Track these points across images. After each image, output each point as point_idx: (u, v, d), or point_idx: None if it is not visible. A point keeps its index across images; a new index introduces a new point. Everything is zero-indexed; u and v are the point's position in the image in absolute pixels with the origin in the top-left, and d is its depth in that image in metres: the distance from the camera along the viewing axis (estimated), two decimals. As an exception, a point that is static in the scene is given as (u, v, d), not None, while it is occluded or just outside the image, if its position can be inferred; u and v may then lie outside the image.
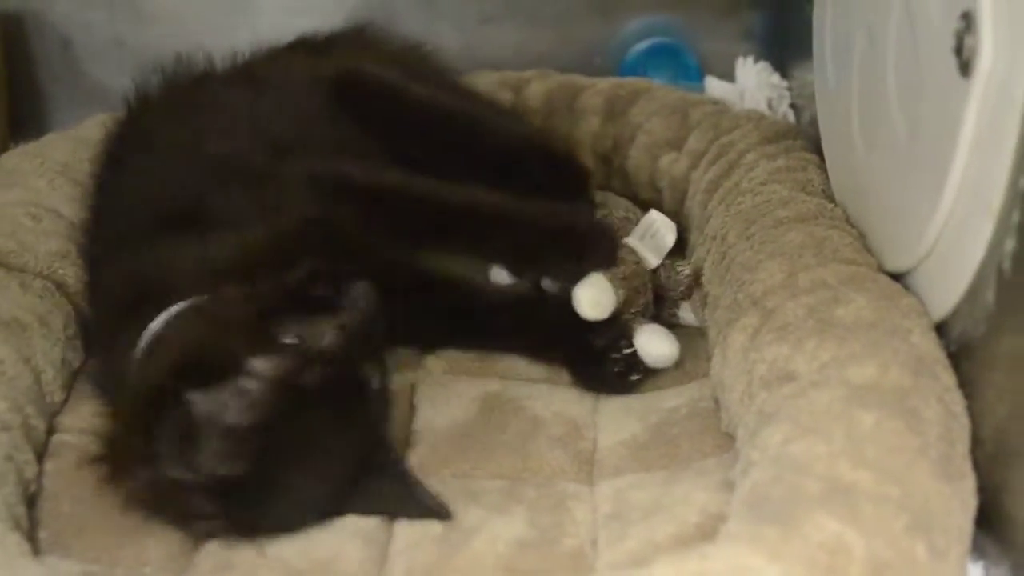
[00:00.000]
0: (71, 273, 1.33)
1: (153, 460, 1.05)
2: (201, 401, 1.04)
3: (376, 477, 1.13)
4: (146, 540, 1.11)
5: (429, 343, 1.36)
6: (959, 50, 0.99)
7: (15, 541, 1.02)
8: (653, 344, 1.32)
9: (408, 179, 1.34)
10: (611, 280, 1.32)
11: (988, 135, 0.98)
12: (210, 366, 1.06)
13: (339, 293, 1.12)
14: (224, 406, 1.05)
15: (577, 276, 1.31)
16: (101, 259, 1.31)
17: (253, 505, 1.08)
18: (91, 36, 1.65)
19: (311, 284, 1.12)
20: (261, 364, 1.06)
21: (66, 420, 1.24)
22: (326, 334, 1.09)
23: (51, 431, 1.22)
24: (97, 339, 1.28)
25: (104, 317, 1.26)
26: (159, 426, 1.04)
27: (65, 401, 1.26)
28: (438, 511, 1.12)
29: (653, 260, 1.38)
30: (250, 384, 1.06)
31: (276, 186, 1.27)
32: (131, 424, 1.08)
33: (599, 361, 1.31)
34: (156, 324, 1.14)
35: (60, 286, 1.32)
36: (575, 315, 1.30)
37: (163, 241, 1.22)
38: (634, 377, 1.31)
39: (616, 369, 1.31)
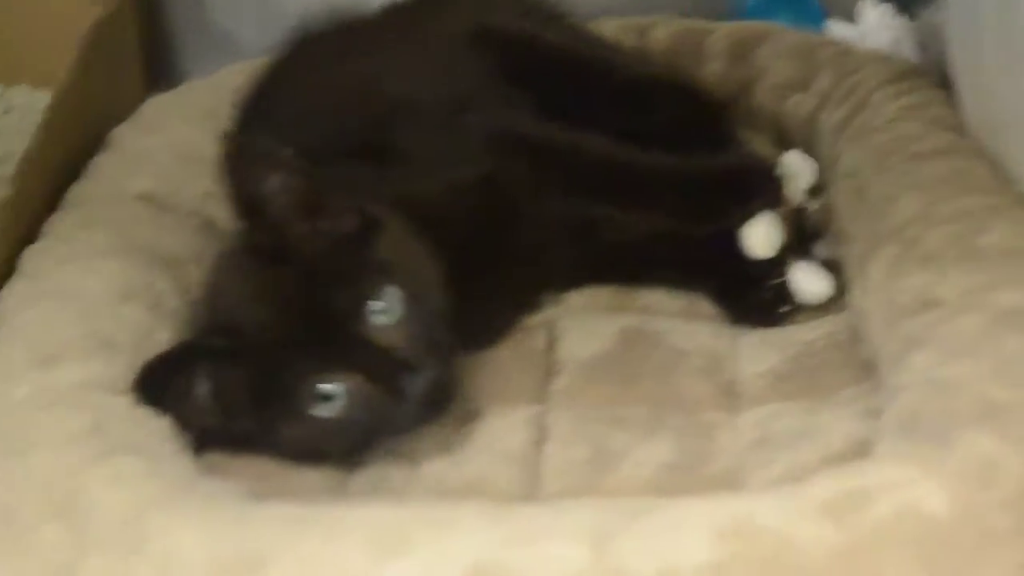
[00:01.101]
0: (220, 212, 1.37)
1: None
2: None
3: None
4: (302, 467, 1.15)
5: (579, 283, 1.39)
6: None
7: (187, 461, 1.06)
8: (809, 281, 1.33)
9: (579, 137, 1.36)
10: (777, 218, 1.34)
11: None
12: None
13: None
14: None
15: (743, 218, 1.33)
16: None
17: None
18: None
19: None
20: None
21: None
22: None
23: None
24: None
25: None
26: None
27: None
28: None
29: (796, 197, 1.39)
30: None
31: (455, 137, 1.32)
32: None
33: (749, 292, 1.33)
34: None
35: (210, 223, 1.36)
36: (728, 247, 1.33)
37: (340, 165, 1.26)
38: (783, 309, 1.33)
39: (767, 298, 1.33)
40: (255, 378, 1.11)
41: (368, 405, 1.11)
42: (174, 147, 1.41)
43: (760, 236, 1.33)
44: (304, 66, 1.46)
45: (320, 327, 1.11)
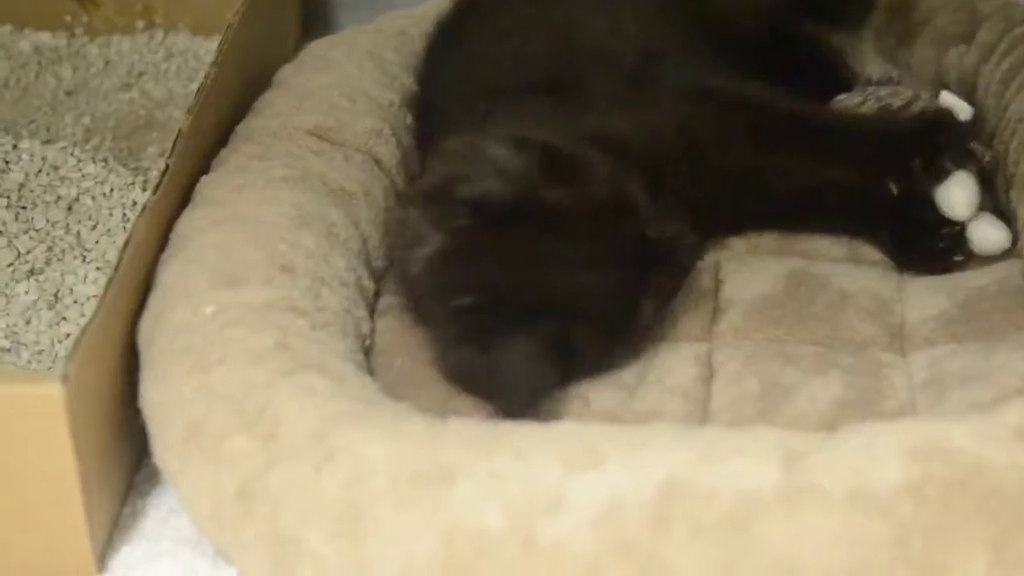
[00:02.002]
0: (385, 151, 1.38)
1: None
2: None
3: None
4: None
5: (744, 229, 1.39)
6: None
7: (369, 382, 1.08)
8: (989, 232, 1.32)
9: (767, 93, 1.37)
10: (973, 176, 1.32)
11: None
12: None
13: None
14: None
15: (934, 175, 1.32)
16: (448, 124, 1.36)
17: None
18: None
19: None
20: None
21: (390, 284, 1.29)
22: None
23: (378, 293, 1.28)
24: None
25: None
26: None
27: (386, 268, 1.31)
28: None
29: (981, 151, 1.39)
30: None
31: (646, 88, 1.33)
32: None
33: (923, 241, 1.32)
34: None
35: (377, 161, 1.37)
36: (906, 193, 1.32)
37: (533, 101, 1.29)
38: (958, 258, 1.32)
39: (943, 247, 1.32)
40: None
41: None
42: (340, 86, 1.42)
43: (959, 197, 1.31)
44: (494, 7, 1.48)
45: None
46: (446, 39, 1.50)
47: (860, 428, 0.91)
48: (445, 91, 1.44)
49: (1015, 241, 1.31)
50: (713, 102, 1.34)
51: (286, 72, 1.48)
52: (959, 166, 1.31)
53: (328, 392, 1.01)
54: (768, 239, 1.37)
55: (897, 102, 1.47)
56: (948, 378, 1.14)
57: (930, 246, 1.32)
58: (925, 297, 1.27)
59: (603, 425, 0.98)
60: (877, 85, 1.54)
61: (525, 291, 1.13)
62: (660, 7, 1.47)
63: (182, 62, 1.76)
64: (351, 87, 1.43)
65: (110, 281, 1.10)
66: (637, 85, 1.34)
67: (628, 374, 1.19)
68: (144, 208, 1.18)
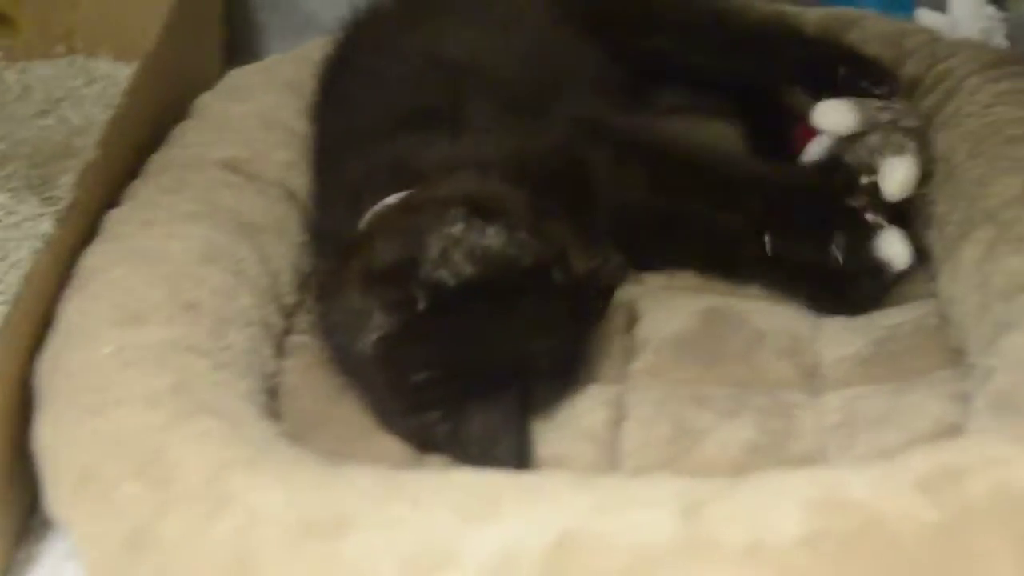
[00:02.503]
0: (300, 183, 1.37)
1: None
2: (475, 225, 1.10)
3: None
4: (381, 437, 1.14)
5: (660, 267, 1.37)
6: None
7: (268, 425, 1.06)
8: (895, 244, 1.29)
9: (667, 137, 1.37)
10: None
11: None
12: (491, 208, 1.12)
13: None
14: (486, 235, 1.10)
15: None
16: (335, 159, 1.35)
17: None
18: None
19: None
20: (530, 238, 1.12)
21: (301, 322, 1.27)
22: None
23: (287, 331, 1.26)
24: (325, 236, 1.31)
25: (334, 206, 1.29)
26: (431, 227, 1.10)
27: (298, 304, 1.29)
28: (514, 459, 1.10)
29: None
30: (519, 233, 1.11)
31: (538, 117, 1.31)
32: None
33: (843, 283, 1.30)
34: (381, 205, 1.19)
35: (291, 194, 1.35)
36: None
37: (406, 135, 1.26)
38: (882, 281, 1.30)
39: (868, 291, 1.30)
40: None
41: None
42: (258, 116, 1.41)
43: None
44: (376, 37, 1.47)
45: None
46: (329, 74, 1.48)
47: (762, 477, 0.89)
48: (329, 128, 1.42)
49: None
50: (610, 140, 1.32)
51: (204, 101, 1.47)
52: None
53: (224, 436, 0.99)
54: (686, 274, 1.36)
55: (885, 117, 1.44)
56: (859, 420, 1.13)
57: (850, 286, 1.30)
58: (841, 336, 1.26)
59: (502, 473, 0.96)
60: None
61: (482, 362, 1.11)
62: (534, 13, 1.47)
63: (103, 88, 1.73)
64: (268, 117, 1.42)
65: (7, 317, 1.07)
66: (527, 114, 1.31)
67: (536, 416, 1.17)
68: (48, 242, 1.16)
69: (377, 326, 1.10)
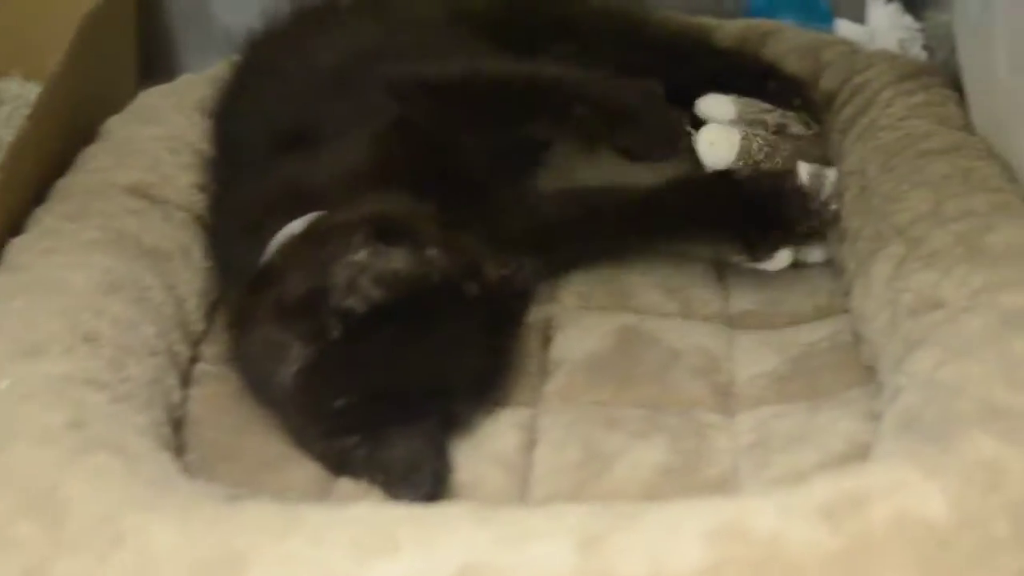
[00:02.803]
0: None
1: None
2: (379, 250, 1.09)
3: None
4: (288, 467, 1.12)
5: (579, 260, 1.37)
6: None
7: (167, 459, 1.03)
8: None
9: (485, 65, 1.34)
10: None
11: None
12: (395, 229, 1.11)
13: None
14: (392, 257, 1.09)
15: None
16: (228, 184, 1.33)
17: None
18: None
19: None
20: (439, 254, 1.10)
21: (208, 350, 1.25)
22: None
23: (194, 359, 1.24)
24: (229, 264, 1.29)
25: (235, 234, 1.27)
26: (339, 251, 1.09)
27: (206, 331, 1.27)
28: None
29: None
30: (427, 250, 1.10)
31: (358, 96, 1.28)
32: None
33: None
34: (283, 234, 1.17)
35: (199, 218, 1.33)
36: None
37: (291, 156, 1.25)
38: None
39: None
40: None
41: None
42: (166, 139, 1.39)
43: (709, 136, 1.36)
44: (263, 56, 1.45)
45: None
46: (220, 100, 1.45)
47: (664, 506, 0.88)
48: (221, 151, 1.40)
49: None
50: (424, 88, 1.30)
51: (112, 123, 1.44)
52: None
53: (120, 473, 0.96)
54: (600, 292, 1.35)
55: (773, 119, 1.45)
56: (773, 440, 1.12)
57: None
58: (756, 352, 1.26)
59: (401, 506, 0.94)
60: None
61: (400, 386, 1.10)
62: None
63: (12, 109, 1.71)
64: (176, 140, 1.40)
65: (-98, 352, 1.05)
66: (350, 98, 1.29)
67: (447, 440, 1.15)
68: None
69: (295, 358, 1.09)
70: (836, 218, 1.35)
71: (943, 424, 0.91)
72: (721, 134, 1.39)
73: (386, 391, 1.09)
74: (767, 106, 1.43)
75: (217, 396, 1.19)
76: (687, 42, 1.55)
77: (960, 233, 1.11)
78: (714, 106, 1.43)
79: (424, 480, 1.08)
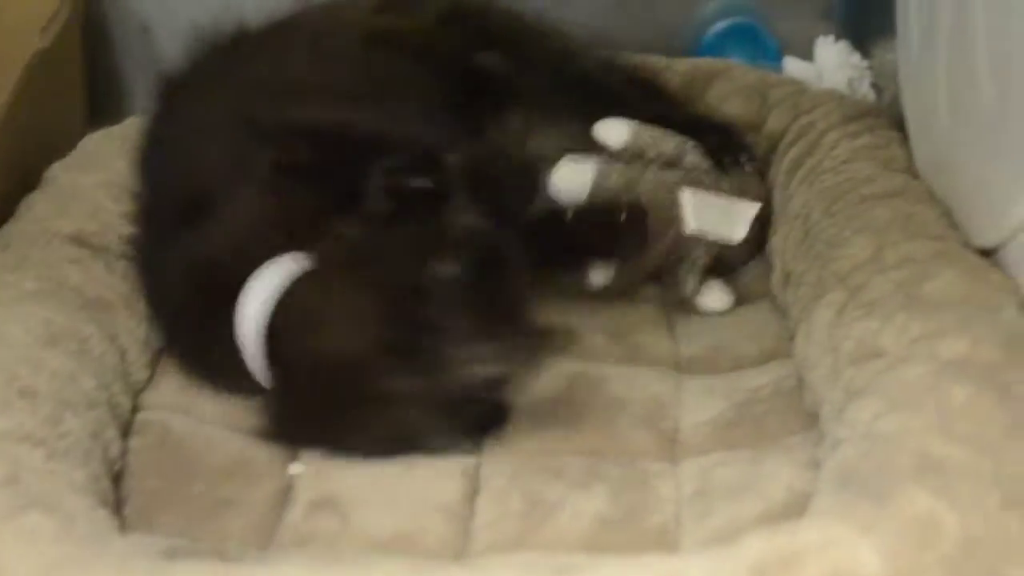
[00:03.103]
0: (153, 254, 1.34)
1: None
2: None
3: None
4: (229, 515, 1.12)
5: None
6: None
7: (103, 516, 1.02)
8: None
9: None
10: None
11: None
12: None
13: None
14: None
15: None
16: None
17: None
18: (171, 21, 1.64)
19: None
20: None
21: (150, 398, 1.24)
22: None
23: (136, 409, 1.23)
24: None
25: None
26: None
27: (149, 379, 1.26)
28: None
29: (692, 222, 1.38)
30: None
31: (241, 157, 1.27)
32: None
33: None
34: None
35: (143, 267, 1.32)
36: None
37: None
38: None
39: None
40: None
41: None
42: (108, 185, 1.38)
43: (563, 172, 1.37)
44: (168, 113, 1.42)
45: None
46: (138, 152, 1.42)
47: (596, 566, 0.88)
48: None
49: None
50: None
51: (55, 170, 1.44)
52: None
53: (54, 533, 0.95)
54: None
55: (668, 148, 1.44)
56: (715, 489, 1.12)
57: None
58: (701, 399, 1.26)
59: (333, 563, 0.94)
60: None
61: None
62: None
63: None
64: (118, 187, 1.39)
65: None
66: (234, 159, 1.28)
67: (393, 490, 1.15)
68: None
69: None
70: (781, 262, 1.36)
71: (880, 478, 0.91)
72: (572, 170, 1.39)
73: None
74: (668, 135, 1.43)
75: (158, 445, 1.18)
76: (621, 83, 1.55)
77: (899, 281, 1.12)
78: (607, 131, 1.42)
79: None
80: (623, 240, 1.34)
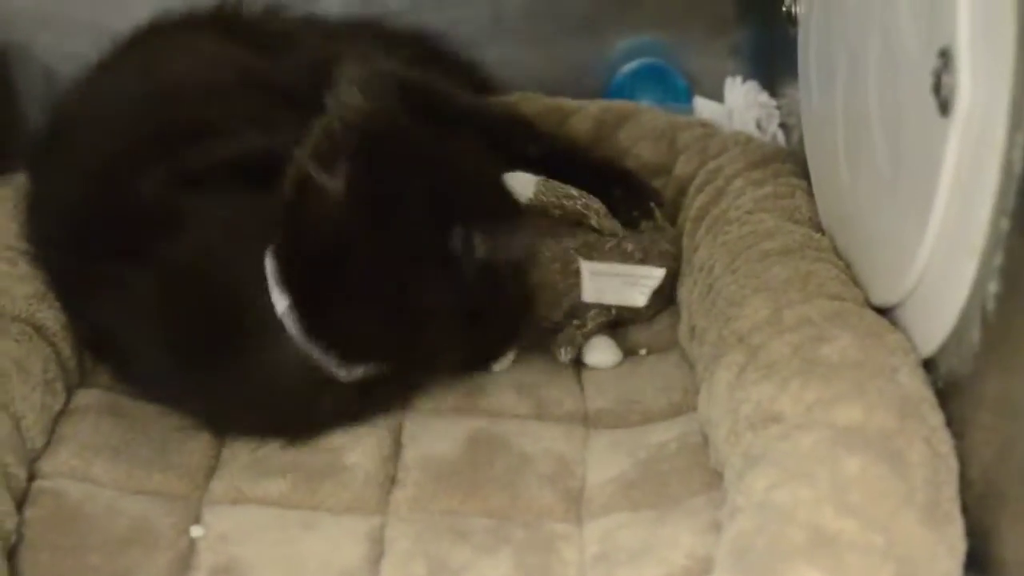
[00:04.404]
0: (49, 315, 1.31)
1: None
2: None
3: None
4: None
5: None
6: (937, 88, 0.97)
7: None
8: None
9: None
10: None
11: (968, 175, 0.97)
12: None
13: None
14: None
15: None
16: None
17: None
18: (75, 67, 1.62)
19: None
20: None
21: (46, 466, 1.21)
22: None
23: (32, 477, 1.20)
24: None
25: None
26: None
27: (46, 446, 1.24)
28: None
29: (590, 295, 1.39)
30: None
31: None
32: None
33: None
34: None
35: (38, 329, 1.30)
36: None
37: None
38: None
39: None
40: None
41: None
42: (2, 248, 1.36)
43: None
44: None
45: None
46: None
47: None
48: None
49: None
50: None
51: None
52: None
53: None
54: (454, 395, 1.33)
55: (573, 207, 1.43)
56: (618, 553, 1.11)
57: None
58: (607, 456, 1.25)
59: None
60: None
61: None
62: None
63: None
64: (12, 247, 1.36)
65: None
66: None
67: (297, 553, 1.14)
68: None
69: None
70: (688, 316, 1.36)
71: (772, 555, 0.91)
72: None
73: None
74: (574, 193, 1.42)
75: (53, 515, 1.16)
76: (524, 135, 1.53)
77: (796, 344, 1.11)
78: (513, 184, 1.39)
79: None
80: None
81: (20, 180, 1.46)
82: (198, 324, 1.23)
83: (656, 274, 1.40)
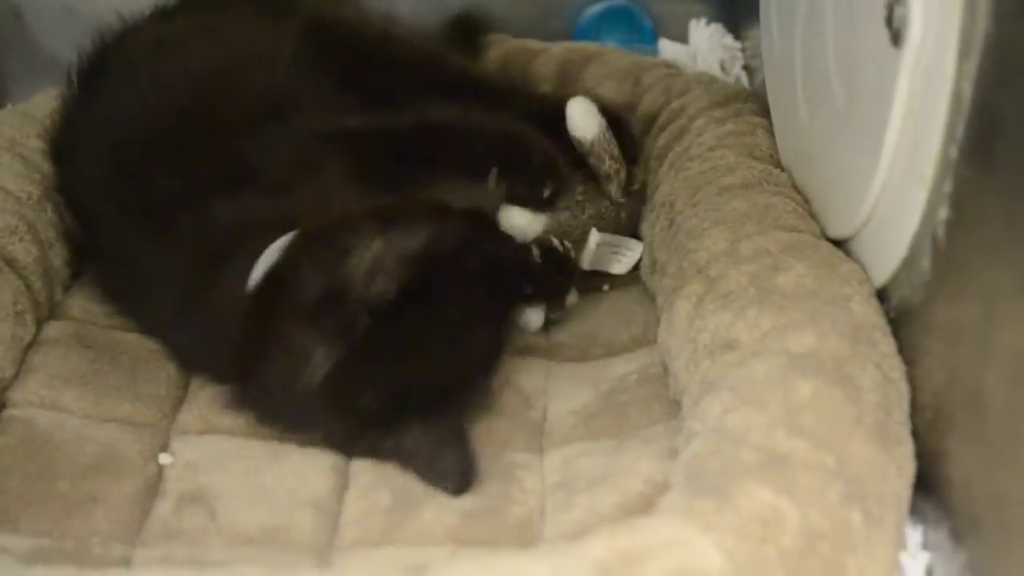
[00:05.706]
0: (20, 248, 1.32)
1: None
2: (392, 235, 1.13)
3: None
4: (94, 511, 1.11)
5: None
6: (890, 20, 0.99)
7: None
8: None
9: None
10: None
11: (919, 105, 0.99)
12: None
13: None
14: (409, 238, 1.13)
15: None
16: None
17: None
18: (42, 6, 1.62)
19: None
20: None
21: (16, 395, 1.23)
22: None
23: (1, 407, 1.22)
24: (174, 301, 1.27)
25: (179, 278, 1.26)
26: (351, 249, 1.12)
27: (15, 376, 1.25)
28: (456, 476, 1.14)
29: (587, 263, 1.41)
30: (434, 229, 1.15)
31: (296, 146, 1.30)
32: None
33: None
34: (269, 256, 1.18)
35: (9, 262, 1.31)
36: None
37: (214, 201, 1.25)
38: None
39: None
40: None
41: None
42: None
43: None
44: (116, 88, 1.41)
45: None
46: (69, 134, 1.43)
47: (443, 567, 0.89)
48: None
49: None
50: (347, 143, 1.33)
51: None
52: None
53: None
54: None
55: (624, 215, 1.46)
56: (577, 480, 1.13)
57: None
58: (569, 388, 1.27)
59: (189, 569, 0.94)
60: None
61: (425, 372, 1.15)
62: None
63: None
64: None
65: None
66: (287, 146, 1.31)
67: (263, 483, 1.15)
68: None
69: (321, 361, 1.12)
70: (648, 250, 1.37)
71: (724, 475, 0.93)
72: (525, 218, 1.38)
73: (411, 381, 1.13)
74: (617, 155, 1.43)
75: (23, 443, 1.17)
76: (496, 88, 1.53)
77: (752, 274, 1.13)
78: (582, 117, 1.43)
79: (449, 468, 1.13)
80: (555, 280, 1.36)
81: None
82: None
83: (637, 248, 1.43)
